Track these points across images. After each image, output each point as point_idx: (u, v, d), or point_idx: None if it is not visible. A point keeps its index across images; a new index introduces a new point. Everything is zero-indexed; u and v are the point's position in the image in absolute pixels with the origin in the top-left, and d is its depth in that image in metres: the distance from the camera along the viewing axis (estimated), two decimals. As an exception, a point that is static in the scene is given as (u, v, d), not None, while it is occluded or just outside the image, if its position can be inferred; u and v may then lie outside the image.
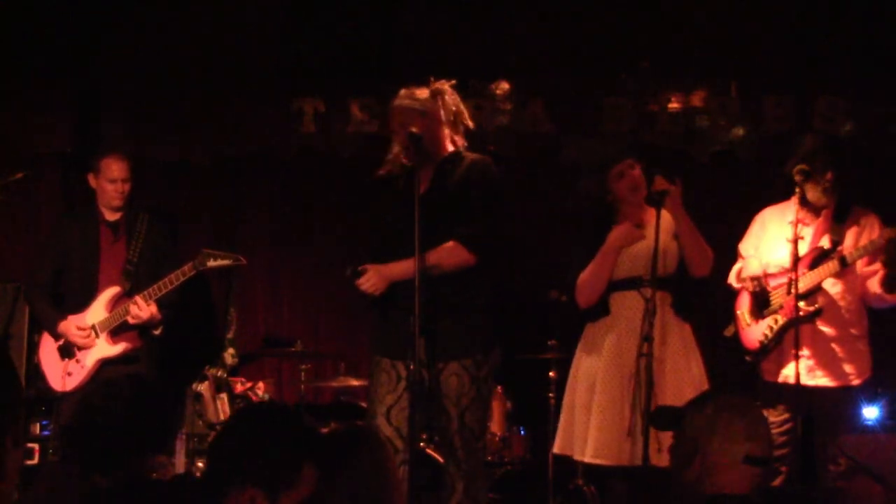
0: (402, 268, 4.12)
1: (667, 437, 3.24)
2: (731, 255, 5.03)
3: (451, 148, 4.29)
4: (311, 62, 6.33)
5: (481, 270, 4.21)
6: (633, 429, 4.26)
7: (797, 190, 4.66)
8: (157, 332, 5.32)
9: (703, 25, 6.18)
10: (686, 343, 4.46)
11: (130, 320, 5.18)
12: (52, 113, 6.40)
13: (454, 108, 4.29)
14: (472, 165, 4.25)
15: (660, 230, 4.33)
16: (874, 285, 4.69)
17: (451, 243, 4.15)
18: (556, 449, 4.65)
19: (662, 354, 4.35)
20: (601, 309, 4.51)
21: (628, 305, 4.44)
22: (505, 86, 6.28)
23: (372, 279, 4.15)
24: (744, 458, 2.63)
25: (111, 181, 5.31)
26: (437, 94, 4.25)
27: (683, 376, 4.37)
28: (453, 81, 4.32)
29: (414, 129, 4.13)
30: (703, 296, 4.71)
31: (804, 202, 4.71)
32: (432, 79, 4.30)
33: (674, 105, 6.24)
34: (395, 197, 4.27)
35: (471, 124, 4.36)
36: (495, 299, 4.30)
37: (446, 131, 4.27)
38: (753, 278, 4.82)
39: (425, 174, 4.17)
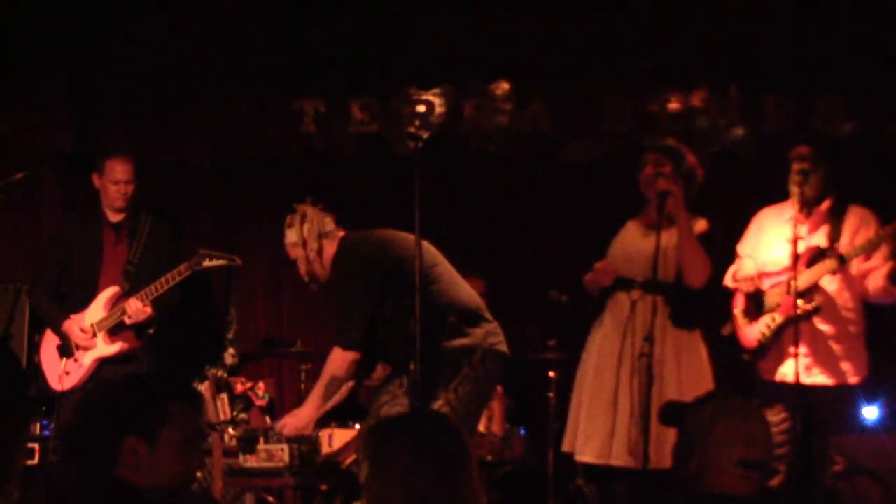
0: (316, 404, 4.38)
1: (666, 440, 3.24)
2: (730, 256, 5.03)
3: (330, 254, 4.49)
4: (311, 62, 6.33)
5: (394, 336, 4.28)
6: (617, 429, 4.31)
7: (795, 189, 4.67)
8: (150, 332, 5.34)
9: (703, 25, 6.18)
10: (679, 350, 4.50)
11: (127, 320, 5.19)
12: (52, 113, 6.39)
13: (318, 224, 4.54)
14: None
15: (661, 232, 4.35)
16: (878, 279, 4.65)
17: (331, 352, 4.35)
18: (563, 447, 4.71)
19: (660, 357, 4.37)
20: (598, 307, 4.61)
21: (617, 306, 4.52)
22: (505, 86, 6.28)
23: (299, 425, 4.42)
24: (738, 462, 2.63)
25: (114, 182, 5.32)
26: (302, 220, 4.53)
27: (675, 380, 4.40)
28: (317, 207, 4.62)
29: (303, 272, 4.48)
30: (700, 308, 4.71)
31: (803, 201, 4.71)
32: (295, 205, 4.61)
33: (674, 105, 6.24)
34: None
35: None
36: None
37: (318, 244, 4.50)
38: (748, 279, 4.82)
39: None
